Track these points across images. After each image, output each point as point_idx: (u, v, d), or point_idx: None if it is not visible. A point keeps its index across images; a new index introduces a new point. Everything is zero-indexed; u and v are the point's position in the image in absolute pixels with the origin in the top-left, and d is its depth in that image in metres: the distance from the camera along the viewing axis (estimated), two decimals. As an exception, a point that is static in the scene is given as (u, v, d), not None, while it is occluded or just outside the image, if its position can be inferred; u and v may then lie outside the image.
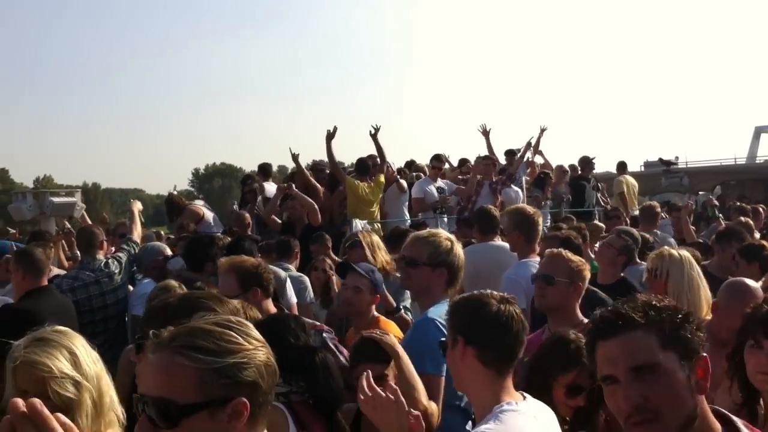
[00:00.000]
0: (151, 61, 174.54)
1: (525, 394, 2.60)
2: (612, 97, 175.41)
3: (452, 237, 4.04)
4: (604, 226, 9.47)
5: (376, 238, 6.30)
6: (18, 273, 5.20)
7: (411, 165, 12.80)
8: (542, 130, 12.92)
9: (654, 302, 1.94)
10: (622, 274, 5.84)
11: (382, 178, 10.15)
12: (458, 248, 3.95)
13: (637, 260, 6.63)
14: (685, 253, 4.69)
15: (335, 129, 10.11)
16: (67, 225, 9.46)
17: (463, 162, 13.29)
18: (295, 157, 10.16)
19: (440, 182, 11.22)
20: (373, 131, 10.06)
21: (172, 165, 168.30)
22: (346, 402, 3.26)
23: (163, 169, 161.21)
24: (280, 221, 9.41)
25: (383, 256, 6.07)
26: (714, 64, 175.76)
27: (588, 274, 4.08)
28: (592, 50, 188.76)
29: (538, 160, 13.48)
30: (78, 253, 7.58)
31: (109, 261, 6.37)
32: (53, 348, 2.49)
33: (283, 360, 2.94)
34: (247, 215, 9.34)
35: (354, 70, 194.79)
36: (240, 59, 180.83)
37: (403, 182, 10.80)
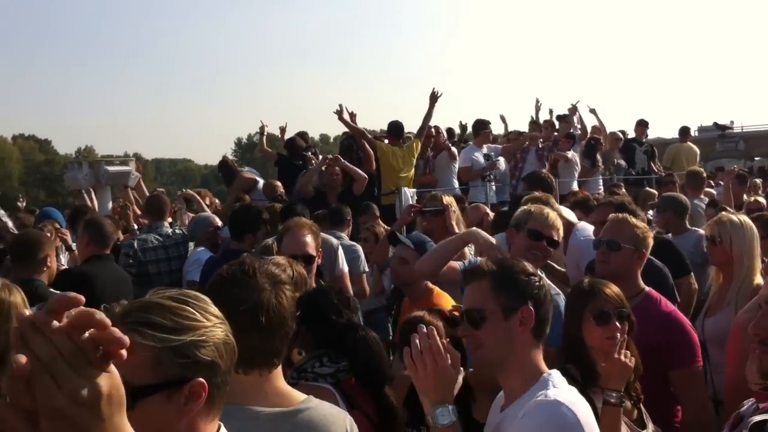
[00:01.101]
0: (195, 30, 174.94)
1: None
2: (666, 60, 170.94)
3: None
4: (656, 192, 9.30)
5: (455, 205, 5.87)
6: (83, 239, 5.35)
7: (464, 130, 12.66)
8: (574, 106, 12.38)
9: None
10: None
11: (418, 144, 9.79)
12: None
13: (688, 226, 6.56)
14: (744, 218, 4.64)
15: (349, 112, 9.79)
16: (125, 199, 9.48)
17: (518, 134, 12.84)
18: (352, 117, 9.61)
19: (486, 148, 10.96)
20: (435, 94, 9.74)
21: (217, 135, 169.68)
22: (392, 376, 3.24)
23: (210, 140, 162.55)
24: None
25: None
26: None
27: (651, 242, 3.98)
28: (647, 13, 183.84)
29: (592, 121, 13.12)
30: (134, 225, 7.81)
31: (176, 228, 6.68)
32: None
33: (326, 338, 3.00)
34: (278, 183, 9.25)
35: (402, 38, 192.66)
36: (280, 26, 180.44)
37: (454, 149, 10.64)
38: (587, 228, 5.40)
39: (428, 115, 9.82)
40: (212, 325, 1.63)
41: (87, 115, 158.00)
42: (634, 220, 4.02)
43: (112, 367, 1.05)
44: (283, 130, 11.40)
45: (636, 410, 3.10)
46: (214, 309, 1.67)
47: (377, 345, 3.14)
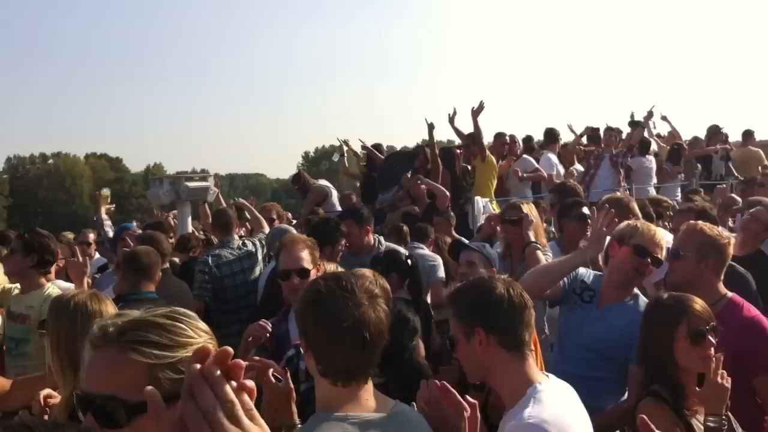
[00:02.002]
0: (259, 44, 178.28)
1: (548, 374, 2.60)
2: (744, 61, 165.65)
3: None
4: (739, 198, 9.05)
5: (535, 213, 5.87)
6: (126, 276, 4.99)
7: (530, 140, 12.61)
8: (650, 112, 11.99)
9: None
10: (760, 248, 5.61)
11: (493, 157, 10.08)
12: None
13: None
14: None
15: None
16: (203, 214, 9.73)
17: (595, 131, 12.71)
18: (430, 127, 9.91)
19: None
20: (479, 108, 9.87)
21: (288, 148, 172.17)
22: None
23: (280, 154, 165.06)
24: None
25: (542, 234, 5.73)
26: None
27: (724, 248, 3.86)
28: (719, 15, 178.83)
29: (666, 128, 12.95)
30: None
31: (247, 241, 6.83)
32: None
33: None
34: (353, 195, 9.57)
35: (471, 52, 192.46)
36: (352, 39, 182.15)
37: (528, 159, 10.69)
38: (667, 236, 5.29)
39: (476, 129, 9.99)
40: (203, 340, 1.66)
41: (157, 133, 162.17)
42: (705, 227, 3.94)
43: (260, 420, 1.10)
44: (363, 146, 11.48)
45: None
46: (203, 325, 1.72)
47: (418, 367, 3.21)
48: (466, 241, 4.80)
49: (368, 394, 2.26)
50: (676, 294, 3.24)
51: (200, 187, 9.49)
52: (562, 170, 10.61)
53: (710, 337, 3.03)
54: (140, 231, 7.33)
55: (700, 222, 4.09)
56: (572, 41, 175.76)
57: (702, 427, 2.90)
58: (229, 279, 6.48)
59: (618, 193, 6.65)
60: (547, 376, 2.57)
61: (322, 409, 2.22)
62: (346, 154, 11.79)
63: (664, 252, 3.98)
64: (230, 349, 1.09)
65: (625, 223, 4.17)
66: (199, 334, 1.67)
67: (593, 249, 4.09)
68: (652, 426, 2.24)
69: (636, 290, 3.94)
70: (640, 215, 5.33)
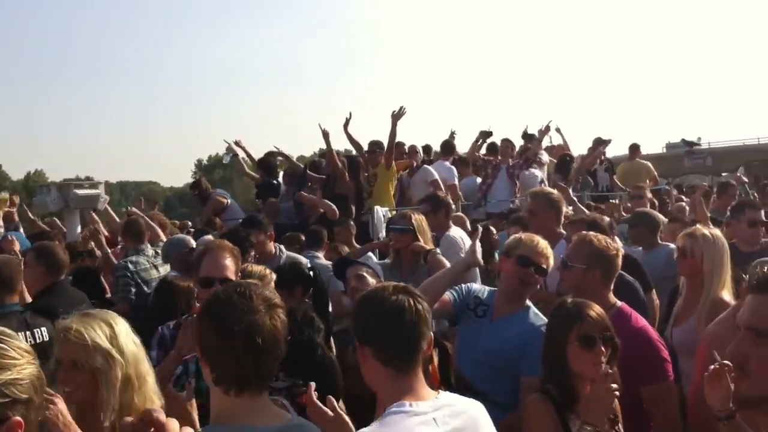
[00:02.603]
0: (150, 51, 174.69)
1: (441, 393, 2.42)
2: (633, 77, 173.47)
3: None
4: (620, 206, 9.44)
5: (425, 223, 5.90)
6: (38, 269, 5.22)
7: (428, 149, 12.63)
8: (547, 126, 11.81)
9: None
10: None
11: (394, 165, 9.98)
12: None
13: (659, 241, 6.63)
14: (717, 232, 4.70)
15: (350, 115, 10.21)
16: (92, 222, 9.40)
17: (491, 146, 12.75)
18: (325, 135, 9.72)
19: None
20: (398, 113, 9.48)
21: (182, 156, 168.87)
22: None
23: (172, 160, 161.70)
24: None
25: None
26: (737, 43, 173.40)
27: (612, 259, 3.96)
28: (612, 29, 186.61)
29: (557, 140, 13.30)
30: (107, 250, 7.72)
31: (156, 249, 6.94)
32: (93, 320, 2.64)
33: (285, 354, 3.05)
34: (279, 204, 9.49)
35: (358, 57, 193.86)
36: (243, 47, 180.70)
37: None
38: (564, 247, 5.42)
39: (392, 134, 9.62)
40: (26, 361, 1.60)
41: (37, 139, 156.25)
42: (594, 237, 4.05)
43: None
44: (279, 153, 11.21)
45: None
46: (25, 345, 1.65)
47: (333, 366, 3.19)
48: (350, 258, 4.80)
49: (263, 405, 2.21)
50: (578, 300, 3.31)
51: (90, 195, 9.18)
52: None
53: (601, 345, 3.09)
54: (18, 241, 6.92)
55: (590, 233, 4.19)
56: (480, 47, 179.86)
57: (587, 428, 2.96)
58: (147, 285, 6.55)
59: (546, 188, 6.76)
60: (438, 396, 2.38)
61: (214, 420, 2.18)
62: (238, 155, 11.52)
63: (551, 261, 4.05)
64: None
65: (512, 237, 4.28)
66: (21, 355, 1.60)
67: (468, 258, 4.17)
68: None
69: (528, 302, 3.96)
70: (563, 211, 5.71)
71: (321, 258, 6.56)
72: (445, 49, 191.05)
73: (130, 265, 6.64)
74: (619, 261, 4.01)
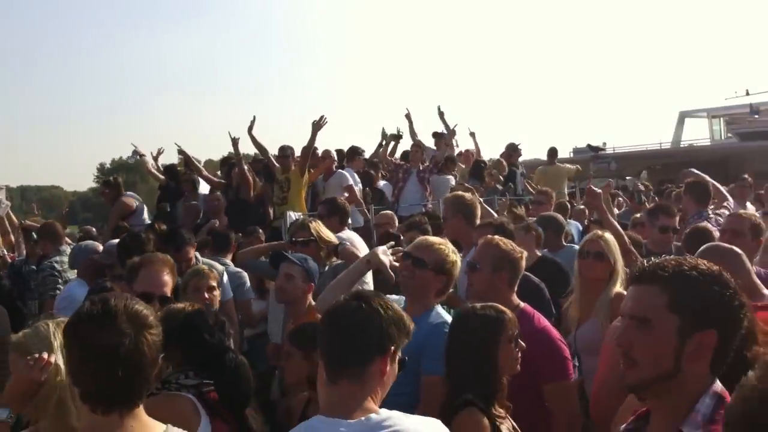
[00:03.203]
0: (54, 54, 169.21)
1: (383, 411, 2.30)
2: (541, 84, 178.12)
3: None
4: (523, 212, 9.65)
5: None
6: None
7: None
8: (453, 130, 12.13)
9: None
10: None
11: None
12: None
13: (563, 243, 6.85)
14: (610, 234, 4.93)
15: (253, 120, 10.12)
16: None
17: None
18: (234, 142, 9.99)
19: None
20: (319, 123, 9.57)
21: (85, 159, 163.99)
22: (253, 405, 3.26)
23: (75, 163, 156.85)
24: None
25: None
26: (640, 50, 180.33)
27: (517, 261, 4.08)
28: (518, 38, 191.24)
29: (471, 146, 13.49)
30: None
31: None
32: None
33: (195, 356, 3.06)
34: (200, 208, 9.37)
35: (273, 63, 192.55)
36: (149, 51, 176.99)
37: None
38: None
39: (310, 142, 9.68)
40: None
41: None
42: (501, 241, 4.17)
43: None
44: (180, 151, 11.17)
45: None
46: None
47: (245, 369, 3.21)
48: (287, 254, 4.74)
49: (135, 420, 2.13)
50: (488, 304, 3.39)
51: (-11, 200, 8.83)
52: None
53: (520, 341, 3.27)
54: None
55: (496, 236, 4.31)
56: (389, 49, 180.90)
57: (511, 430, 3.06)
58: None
59: (458, 192, 6.83)
60: (376, 413, 2.28)
61: None
62: (144, 156, 11.32)
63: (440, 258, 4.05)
64: None
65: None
66: None
67: (372, 257, 4.19)
68: None
69: (437, 305, 3.98)
70: (476, 215, 5.86)
71: (230, 264, 6.47)
72: (359, 50, 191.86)
73: (56, 264, 6.86)
74: (523, 263, 4.14)
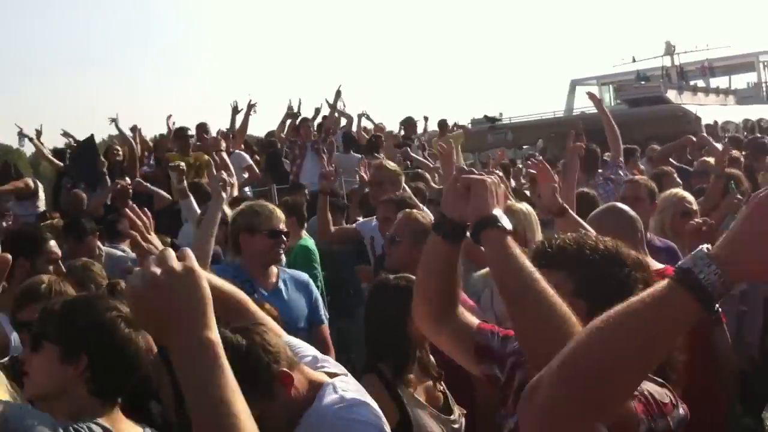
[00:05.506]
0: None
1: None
2: (437, 55, 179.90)
3: None
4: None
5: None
6: None
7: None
8: (338, 92, 12.61)
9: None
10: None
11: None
12: None
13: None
14: (527, 205, 4.87)
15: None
16: None
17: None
18: (113, 121, 10.15)
19: None
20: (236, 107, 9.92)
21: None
22: None
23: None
24: None
25: None
26: (533, 18, 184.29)
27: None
28: (410, 12, 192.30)
29: (367, 123, 13.46)
30: None
31: None
32: None
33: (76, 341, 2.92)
34: (83, 195, 8.71)
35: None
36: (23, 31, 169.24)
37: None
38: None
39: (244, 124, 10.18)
40: None
41: None
42: (419, 215, 4.27)
43: None
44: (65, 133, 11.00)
45: (442, 396, 3.20)
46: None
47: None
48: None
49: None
50: (401, 275, 3.37)
51: None
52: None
53: None
54: None
55: (414, 210, 4.41)
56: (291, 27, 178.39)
57: (418, 398, 3.08)
58: None
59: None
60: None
61: None
62: (33, 139, 10.76)
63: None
64: None
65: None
66: None
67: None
68: None
69: None
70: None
71: (129, 251, 6.17)
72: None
73: None
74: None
